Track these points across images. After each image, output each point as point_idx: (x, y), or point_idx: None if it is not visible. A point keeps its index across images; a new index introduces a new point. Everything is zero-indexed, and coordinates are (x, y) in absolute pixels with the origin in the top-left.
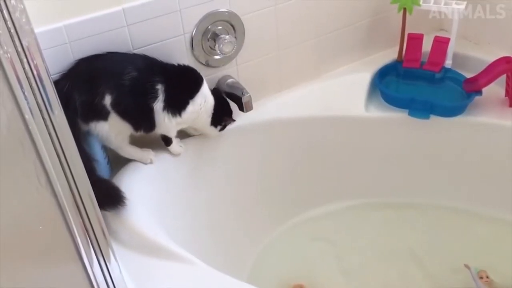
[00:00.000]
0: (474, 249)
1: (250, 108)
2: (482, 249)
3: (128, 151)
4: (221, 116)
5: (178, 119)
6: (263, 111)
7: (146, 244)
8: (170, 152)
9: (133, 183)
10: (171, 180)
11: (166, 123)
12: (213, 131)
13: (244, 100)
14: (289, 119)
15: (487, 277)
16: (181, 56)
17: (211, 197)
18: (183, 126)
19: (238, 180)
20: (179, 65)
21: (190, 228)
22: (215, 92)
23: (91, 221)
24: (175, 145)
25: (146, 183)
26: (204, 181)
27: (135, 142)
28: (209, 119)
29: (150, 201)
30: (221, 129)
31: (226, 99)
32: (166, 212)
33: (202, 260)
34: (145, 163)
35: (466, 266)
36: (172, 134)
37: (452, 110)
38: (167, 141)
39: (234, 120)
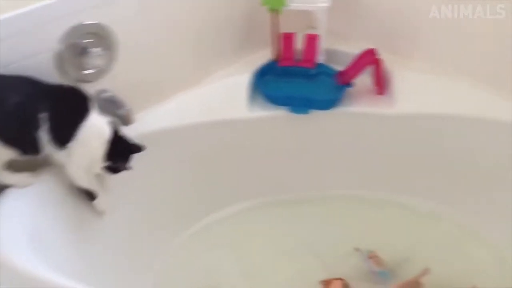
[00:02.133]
0: (364, 233)
1: (130, 121)
2: (372, 231)
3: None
4: (115, 158)
5: (65, 152)
6: (146, 122)
7: (26, 281)
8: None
9: (11, 212)
10: (55, 205)
11: (56, 159)
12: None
13: (123, 113)
14: (174, 128)
15: (376, 256)
16: (49, 73)
17: (101, 217)
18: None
19: (129, 196)
20: (64, 87)
21: (81, 253)
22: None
23: None
24: (101, 201)
25: (25, 211)
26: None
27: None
28: (99, 161)
29: (30, 231)
30: (111, 171)
31: (124, 139)
32: (49, 241)
33: (99, 286)
34: (21, 188)
35: (356, 249)
36: (79, 181)
37: (328, 103)
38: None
39: (129, 168)
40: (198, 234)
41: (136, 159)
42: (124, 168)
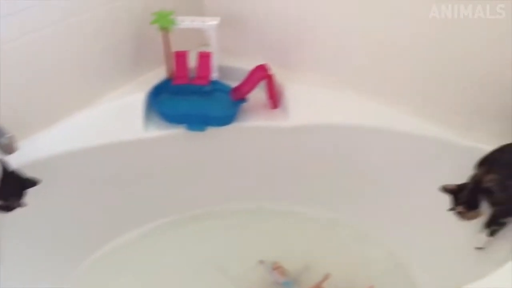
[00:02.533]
0: (268, 244)
1: (13, 149)
2: (275, 243)
3: None
4: (6, 196)
5: None
6: (32, 149)
7: None
8: None
9: None
10: None
11: None
12: None
13: (4, 141)
14: (67, 153)
15: (280, 267)
16: None
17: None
18: None
19: (29, 226)
20: None
21: None
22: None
23: None
24: None
25: None
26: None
27: None
28: None
29: None
30: (4, 210)
31: (16, 175)
32: None
33: None
34: None
35: (260, 261)
36: None
37: (224, 119)
38: None
39: (23, 205)
40: (102, 260)
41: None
42: (18, 205)
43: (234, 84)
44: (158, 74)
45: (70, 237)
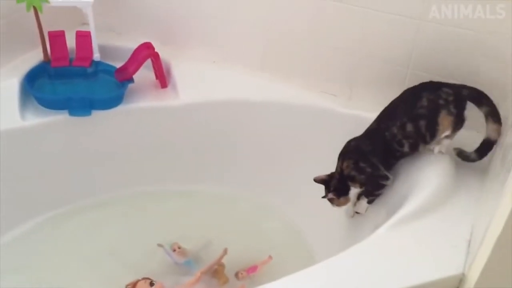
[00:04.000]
0: (165, 226)
1: None
2: (173, 224)
3: None
4: None
5: None
6: None
7: None
8: None
9: None
10: None
11: None
12: None
13: None
14: None
15: (179, 248)
16: None
17: None
18: None
19: None
20: None
21: None
22: None
23: None
24: None
25: None
26: None
27: None
28: None
29: None
30: None
31: None
32: None
33: None
34: None
35: (159, 245)
36: None
37: (110, 102)
38: None
39: None
40: None
41: None
42: None
43: (118, 64)
44: (32, 58)
45: None
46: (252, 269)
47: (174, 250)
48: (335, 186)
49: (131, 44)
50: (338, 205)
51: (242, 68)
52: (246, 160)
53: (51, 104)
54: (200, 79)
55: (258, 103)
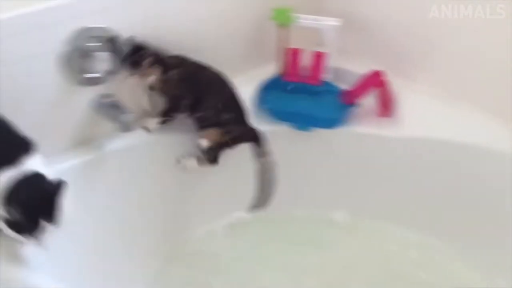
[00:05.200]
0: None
1: (131, 128)
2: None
3: None
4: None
5: None
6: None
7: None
8: None
9: None
10: None
11: None
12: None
13: (126, 119)
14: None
15: None
16: (53, 75)
17: (95, 222)
18: None
19: (121, 203)
20: None
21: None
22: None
23: None
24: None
25: None
26: (89, 209)
27: None
28: None
29: None
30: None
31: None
32: None
33: None
34: None
35: None
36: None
37: (331, 122)
38: None
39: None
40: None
41: (135, 167)
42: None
43: (345, 86)
44: (267, 70)
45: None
46: None
47: None
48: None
49: (362, 69)
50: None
51: (472, 109)
52: (463, 212)
53: (279, 115)
54: (425, 115)
55: (486, 150)
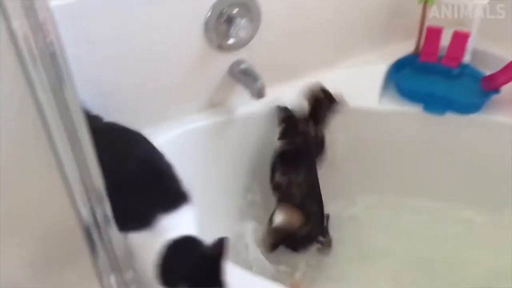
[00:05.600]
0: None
1: (263, 95)
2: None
3: None
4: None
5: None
6: (274, 99)
7: None
8: None
9: None
10: (179, 164)
11: None
12: None
13: (257, 86)
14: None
15: None
16: (193, 39)
17: (213, 182)
18: None
19: (247, 169)
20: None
21: None
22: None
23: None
24: None
25: None
26: (209, 166)
27: None
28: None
29: None
30: None
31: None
32: None
33: None
34: None
35: None
36: None
37: (468, 107)
38: None
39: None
40: None
41: (262, 133)
42: None
43: (485, 71)
44: (404, 48)
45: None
46: None
47: None
48: None
49: (507, 53)
50: None
51: None
52: None
53: (409, 95)
54: None
55: None
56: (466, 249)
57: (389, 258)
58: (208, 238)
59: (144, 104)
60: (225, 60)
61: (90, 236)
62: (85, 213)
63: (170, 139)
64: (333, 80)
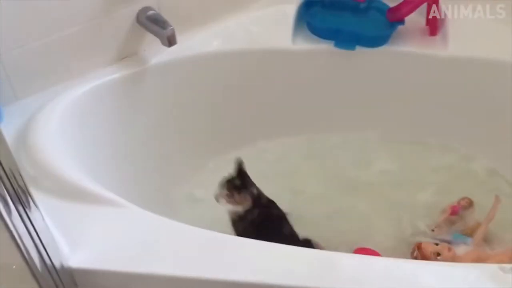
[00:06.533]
0: None
1: (174, 42)
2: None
3: None
4: None
5: None
6: (187, 45)
7: (70, 189)
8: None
9: (51, 125)
10: (92, 122)
11: None
12: None
13: (167, 33)
14: (214, 53)
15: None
16: None
17: (135, 139)
18: None
19: (160, 119)
20: None
21: (115, 172)
22: None
23: (4, 167)
24: None
25: (65, 124)
26: (127, 121)
27: None
28: None
29: (71, 143)
30: None
31: None
32: (88, 155)
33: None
34: None
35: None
36: None
37: (376, 40)
38: None
39: None
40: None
41: (175, 81)
42: None
43: (391, 3)
44: None
45: (192, 140)
46: None
47: (433, 230)
48: None
49: None
50: None
51: None
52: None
53: (321, 32)
54: (476, 33)
55: None
56: None
57: None
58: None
59: (48, 61)
60: (131, 8)
61: None
62: None
63: (79, 96)
64: (245, 22)
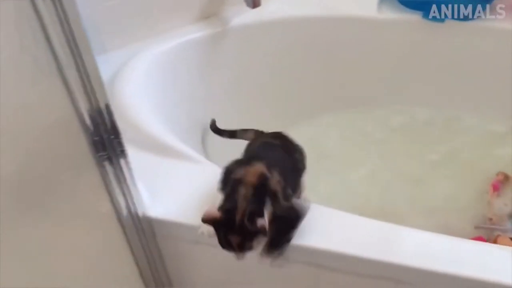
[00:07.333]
0: None
1: (258, 3)
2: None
3: None
4: None
5: None
6: (271, 9)
7: (151, 142)
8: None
9: (136, 80)
10: (173, 78)
11: None
12: None
13: None
14: (298, 19)
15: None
16: None
17: (216, 97)
18: None
19: (243, 80)
20: None
21: (193, 131)
22: None
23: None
24: None
25: (149, 79)
26: (210, 81)
27: None
28: None
29: (153, 96)
30: None
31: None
32: (168, 109)
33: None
34: None
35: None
36: None
37: (468, 14)
38: None
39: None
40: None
41: (258, 44)
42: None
43: None
44: None
45: (272, 104)
46: None
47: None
48: None
49: None
50: None
51: None
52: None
53: (409, 2)
54: None
55: None
56: None
57: None
58: None
59: (134, 17)
60: None
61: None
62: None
63: (163, 52)
64: None
